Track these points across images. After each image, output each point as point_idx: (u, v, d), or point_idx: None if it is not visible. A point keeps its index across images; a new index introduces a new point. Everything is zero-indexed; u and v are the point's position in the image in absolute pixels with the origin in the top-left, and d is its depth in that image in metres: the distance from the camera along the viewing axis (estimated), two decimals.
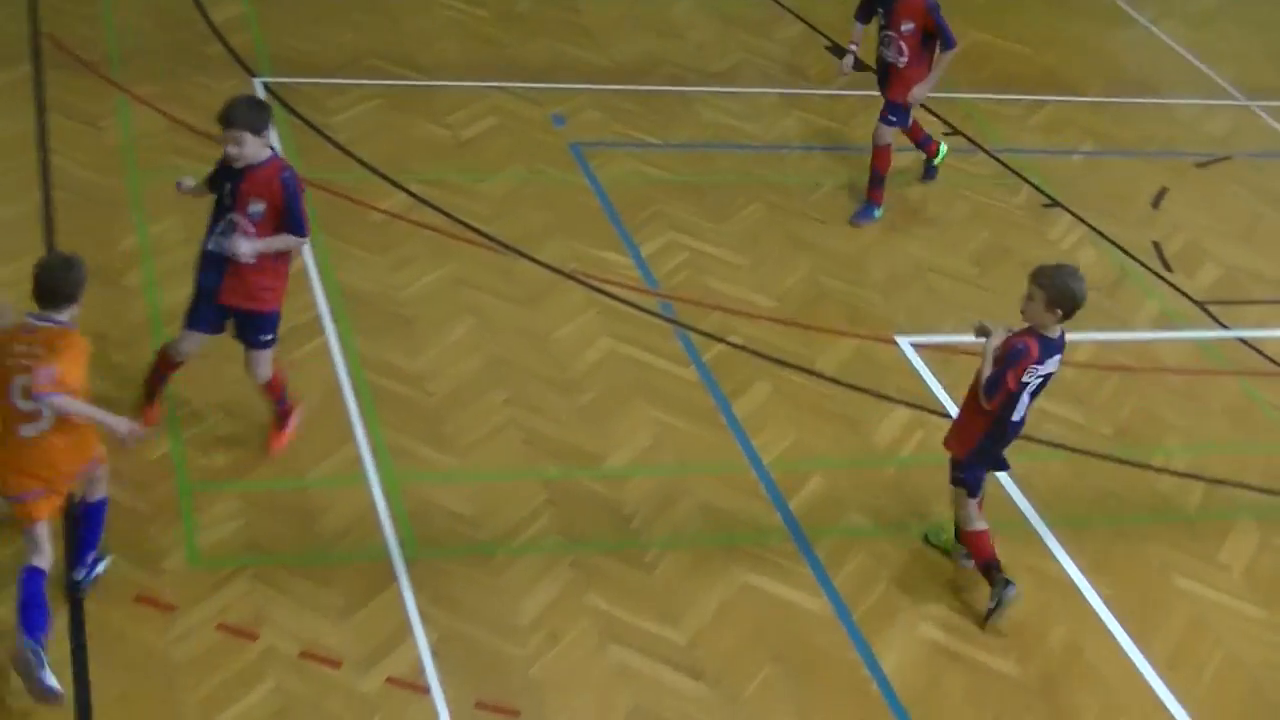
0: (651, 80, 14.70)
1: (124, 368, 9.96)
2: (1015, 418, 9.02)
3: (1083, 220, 13.48)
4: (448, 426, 10.02)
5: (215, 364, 9.93)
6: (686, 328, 11.33)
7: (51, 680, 7.71)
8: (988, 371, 8.89)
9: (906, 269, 12.42)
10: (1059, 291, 8.72)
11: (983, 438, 9.12)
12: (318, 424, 9.85)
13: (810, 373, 11.10)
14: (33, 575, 7.93)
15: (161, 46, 13.72)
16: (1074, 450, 10.87)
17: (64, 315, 7.91)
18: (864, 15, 12.80)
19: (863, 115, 14.60)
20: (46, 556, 8.01)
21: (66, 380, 7.69)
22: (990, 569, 9.30)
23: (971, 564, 9.51)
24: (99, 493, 8.36)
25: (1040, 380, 8.94)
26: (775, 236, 12.57)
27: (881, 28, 12.63)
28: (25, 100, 12.54)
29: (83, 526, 8.39)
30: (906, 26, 12.41)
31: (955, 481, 9.36)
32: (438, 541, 9.19)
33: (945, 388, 11.10)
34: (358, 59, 14.17)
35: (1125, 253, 13.10)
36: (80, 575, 8.41)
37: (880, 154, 12.80)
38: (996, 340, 8.96)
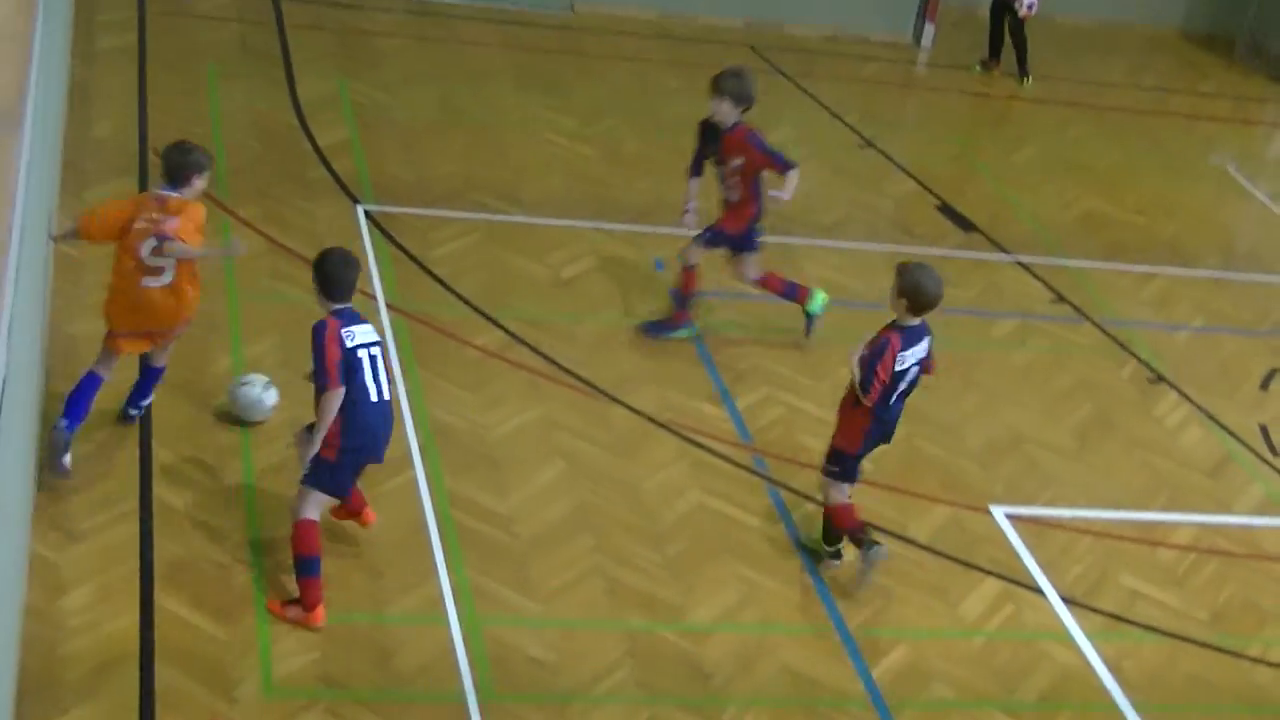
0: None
1: (210, 491, 10.30)
2: (894, 402, 10.40)
3: (1189, 398, 13.65)
4: (532, 570, 10.28)
5: None
6: (779, 484, 11.57)
7: (67, 463, 10.06)
8: (859, 374, 10.17)
9: (1005, 438, 12.62)
10: (907, 284, 10.14)
11: (869, 428, 10.38)
12: (400, 560, 10.13)
13: (901, 538, 11.28)
14: (92, 379, 10.15)
15: (266, 167, 14.23)
16: (1168, 634, 10.95)
17: (183, 190, 10.04)
18: (695, 168, 12.89)
19: (974, 276, 14.88)
20: (108, 373, 10.23)
21: (182, 234, 9.89)
22: (856, 534, 10.56)
23: (837, 564, 10.74)
24: (162, 360, 10.54)
25: (915, 364, 10.32)
26: None
27: (718, 168, 12.75)
28: None
29: (143, 380, 10.66)
30: (735, 163, 12.61)
31: (831, 474, 10.62)
32: (515, 686, 9.41)
33: (1039, 562, 11.25)
34: (461, 191, 14.62)
35: (1231, 434, 13.24)
36: (133, 411, 10.71)
37: (687, 275, 12.94)
38: (856, 353, 10.22)
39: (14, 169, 7.57)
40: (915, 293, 10.12)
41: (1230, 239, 17.02)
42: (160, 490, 10.22)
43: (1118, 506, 12.10)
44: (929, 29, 20.94)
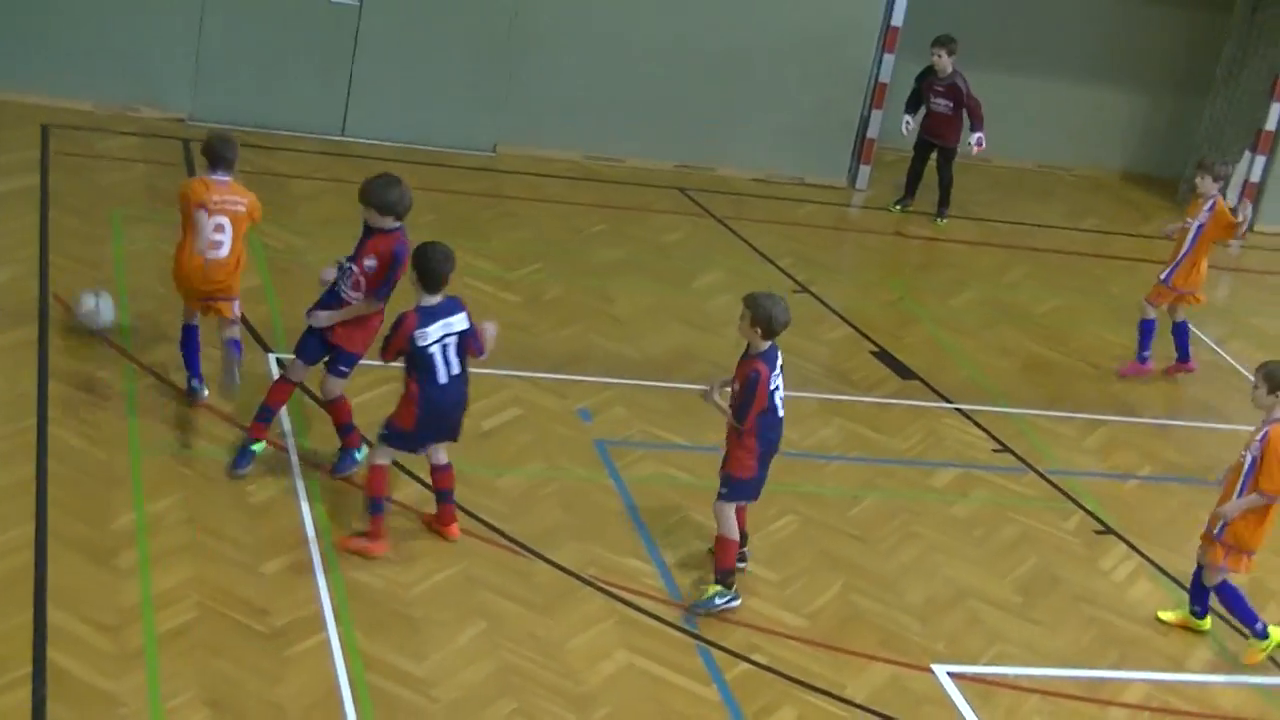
0: (683, 377, 14.99)
1: (109, 655, 10.07)
2: (779, 417, 11.72)
3: (1137, 550, 13.59)
4: None
5: (203, 658, 10.09)
6: (709, 644, 11.42)
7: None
8: (728, 409, 11.58)
9: (947, 593, 12.51)
10: (760, 316, 11.41)
11: (759, 449, 11.61)
12: None
13: (839, 699, 11.14)
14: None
15: (171, 314, 14.00)
16: None
17: (232, 173, 12.44)
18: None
19: (911, 427, 14.86)
20: (234, 331, 12.47)
21: (254, 212, 12.58)
22: (729, 574, 11.72)
23: (738, 603, 11.76)
24: (232, 333, 12.49)
25: (779, 384, 11.60)
26: (807, 551, 12.71)
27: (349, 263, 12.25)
28: (28, 364, 12.89)
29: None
30: (368, 262, 12.18)
31: (725, 498, 11.69)
32: None
33: None
34: (377, 340, 14.45)
35: (1182, 587, 13.15)
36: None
37: (336, 407, 12.54)
38: (717, 394, 11.73)
39: None
40: (769, 322, 11.40)
41: (1176, 385, 17.05)
42: (54, 654, 9.97)
43: (1065, 664, 11.99)
44: (864, 170, 21.10)
